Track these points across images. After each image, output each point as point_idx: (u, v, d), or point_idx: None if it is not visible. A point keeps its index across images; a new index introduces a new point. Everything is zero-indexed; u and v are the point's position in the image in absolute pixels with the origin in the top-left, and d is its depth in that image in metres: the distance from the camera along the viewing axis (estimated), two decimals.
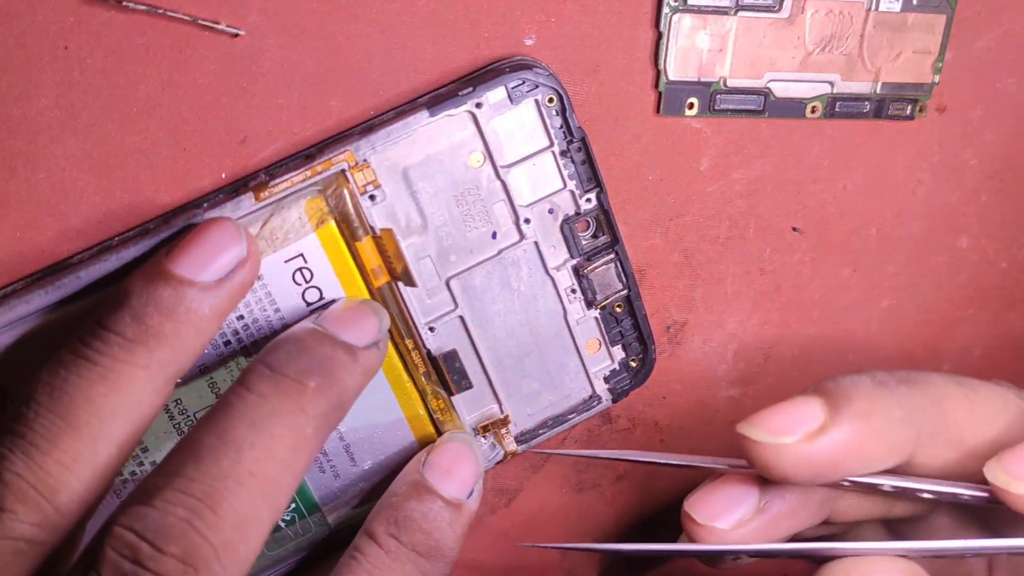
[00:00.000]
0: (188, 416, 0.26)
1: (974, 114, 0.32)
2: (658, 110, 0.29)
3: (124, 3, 0.24)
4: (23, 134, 0.24)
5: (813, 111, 0.30)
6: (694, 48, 0.28)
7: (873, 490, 0.25)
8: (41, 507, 0.21)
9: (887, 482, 0.25)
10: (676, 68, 0.28)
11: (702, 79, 0.28)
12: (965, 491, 0.24)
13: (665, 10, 0.27)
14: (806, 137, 0.31)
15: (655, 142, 0.29)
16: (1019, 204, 0.34)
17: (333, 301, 0.26)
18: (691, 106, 0.29)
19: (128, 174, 0.25)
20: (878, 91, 0.30)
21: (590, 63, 0.28)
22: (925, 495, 0.25)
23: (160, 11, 0.24)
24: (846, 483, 0.25)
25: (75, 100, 0.25)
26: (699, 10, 0.28)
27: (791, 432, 0.23)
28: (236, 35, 0.25)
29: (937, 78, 0.30)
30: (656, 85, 0.29)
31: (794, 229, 0.32)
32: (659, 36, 0.28)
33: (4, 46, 0.24)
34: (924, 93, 0.31)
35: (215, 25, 0.25)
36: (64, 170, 0.25)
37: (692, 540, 0.26)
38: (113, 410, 0.21)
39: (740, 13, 0.28)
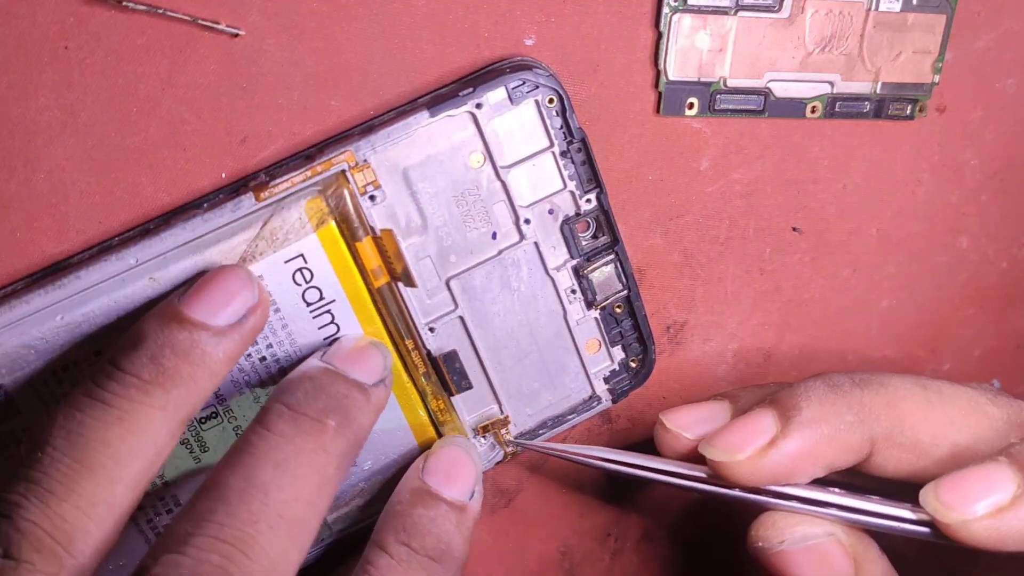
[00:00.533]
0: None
1: (974, 114, 0.32)
2: (658, 110, 0.29)
3: (124, 3, 0.24)
4: (23, 134, 0.24)
5: (813, 111, 0.30)
6: (694, 48, 0.28)
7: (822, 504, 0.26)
8: (58, 555, 0.20)
9: (832, 501, 0.25)
10: (676, 68, 0.28)
11: (702, 79, 0.28)
12: (908, 514, 0.25)
13: (665, 10, 0.27)
14: (806, 137, 0.31)
15: (655, 142, 0.29)
16: (1019, 204, 0.34)
17: (338, 337, 0.26)
18: (691, 106, 0.29)
19: (128, 174, 0.25)
20: (878, 91, 0.30)
21: (590, 63, 0.28)
22: (869, 519, 0.25)
23: (160, 11, 0.24)
24: (788, 503, 0.26)
25: (75, 100, 0.25)
26: (699, 10, 0.28)
27: (742, 449, 0.25)
28: (236, 35, 0.25)
29: (937, 78, 0.30)
30: (656, 85, 0.29)
31: (794, 229, 0.32)
32: (659, 36, 0.28)
33: (4, 46, 0.24)
34: (924, 93, 0.31)
35: (215, 25, 0.25)
36: (64, 170, 0.25)
37: (660, 444, 0.28)
38: (130, 452, 0.21)
39: (740, 13, 0.28)
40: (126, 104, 0.25)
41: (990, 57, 0.31)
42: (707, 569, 0.35)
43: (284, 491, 0.21)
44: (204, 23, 0.25)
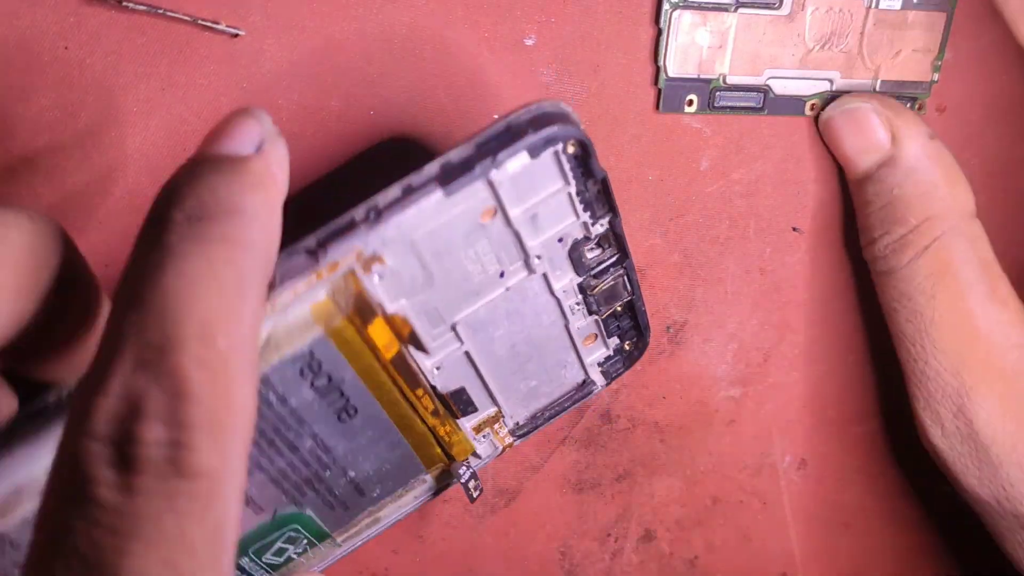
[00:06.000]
0: None
1: (974, 114, 0.32)
2: (658, 107, 0.29)
3: (124, 3, 0.24)
4: (23, 134, 0.25)
5: (812, 108, 0.30)
6: (694, 45, 0.28)
7: None
8: None
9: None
10: (676, 65, 0.28)
11: (702, 76, 0.29)
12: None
13: (665, 7, 0.27)
14: (806, 136, 0.31)
15: (655, 142, 0.29)
16: (1019, 204, 0.34)
17: None
18: (690, 103, 0.29)
19: (128, 174, 0.25)
20: (877, 89, 0.30)
21: (590, 63, 0.28)
22: None
23: (160, 11, 0.24)
24: None
25: (75, 100, 0.25)
26: (699, 7, 0.28)
27: None
28: (236, 35, 0.25)
29: (937, 76, 0.30)
30: (656, 82, 0.29)
31: (794, 229, 0.32)
32: (659, 33, 0.28)
33: (4, 46, 0.24)
34: (924, 91, 0.31)
35: (215, 25, 0.25)
36: (64, 170, 0.25)
37: None
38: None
39: (740, 10, 0.28)
40: (126, 104, 0.25)
41: (990, 56, 0.31)
42: (707, 570, 0.35)
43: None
44: (204, 23, 0.25)
